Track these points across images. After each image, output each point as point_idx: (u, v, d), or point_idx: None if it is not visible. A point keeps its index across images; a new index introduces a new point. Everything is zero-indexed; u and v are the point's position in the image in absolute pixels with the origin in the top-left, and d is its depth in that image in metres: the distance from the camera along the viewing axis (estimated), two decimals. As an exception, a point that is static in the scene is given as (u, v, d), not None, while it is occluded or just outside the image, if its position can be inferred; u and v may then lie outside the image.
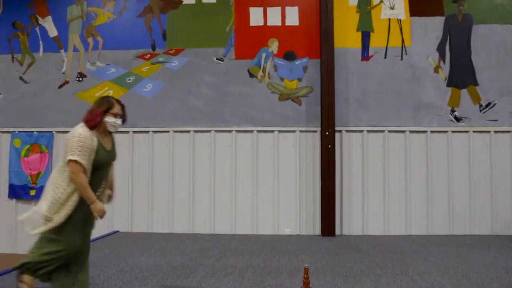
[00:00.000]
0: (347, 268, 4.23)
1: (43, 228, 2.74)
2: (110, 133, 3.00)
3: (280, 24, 6.62)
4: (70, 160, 2.69)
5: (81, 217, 2.82)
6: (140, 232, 6.36)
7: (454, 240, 5.74)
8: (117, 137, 6.67)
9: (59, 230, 2.75)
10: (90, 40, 6.82)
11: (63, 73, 6.80)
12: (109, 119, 2.88)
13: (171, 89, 6.62)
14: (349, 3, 6.57)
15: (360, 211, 6.30)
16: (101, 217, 2.83)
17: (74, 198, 2.75)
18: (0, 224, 6.62)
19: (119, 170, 6.45)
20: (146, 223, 6.45)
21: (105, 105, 2.88)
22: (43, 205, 2.75)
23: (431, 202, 6.27)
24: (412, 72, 6.44)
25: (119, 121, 2.95)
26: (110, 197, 3.20)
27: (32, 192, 6.55)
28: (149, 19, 6.76)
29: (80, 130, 2.78)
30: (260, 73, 6.57)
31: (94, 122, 2.81)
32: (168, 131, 6.54)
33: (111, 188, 3.23)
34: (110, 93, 6.67)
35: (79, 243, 2.88)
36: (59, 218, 2.71)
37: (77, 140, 2.72)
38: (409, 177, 6.31)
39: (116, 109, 2.91)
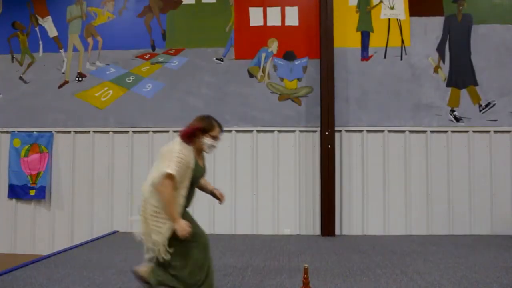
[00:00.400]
0: (347, 268, 4.23)
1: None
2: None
3: (280, 24, 6.62)
4: (166, 172, 2.64)
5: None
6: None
7: (454, 240, 5.74)
8: (117, 137, 6.75)
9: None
10: (89, 40, 6.82)
11: (63, 73, 6.79)
12: (207, 140, 2.84)
13: (171, 89, 6.62)
14: (349, 3, 6.57)
15: (360, 211, 6.30)
16: (185, 236, 2.69)
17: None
18: (0, 224, 6.61)
19: (119, 170, 6.51)
20: (146, 223, 6.44)
21: (206, 125, 2.85)
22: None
23: (431, 202, 6.27)
24: (411, 72, 6.44)
25: (216, 144, 2.89)
26: (221, 195, 3.30)
27: (32, 192, 6.54)
28: (148, 19, 6.76)
29: (179, 147, 2.75)
30: (260, 73, 6.57)
31: (190, 138, 2.80)
32: (167, 131, 6.53)
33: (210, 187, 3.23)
34: (110, 93, 6.68)
35: None
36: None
37: (176, 155, 2.69)
38: (409, 177, 6.31)
39: (216, 132, 2.87)
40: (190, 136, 2.79)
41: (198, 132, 2.81)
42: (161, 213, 2.73)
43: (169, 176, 2.64)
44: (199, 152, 2.89)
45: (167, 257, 2.74)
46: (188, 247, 2.77)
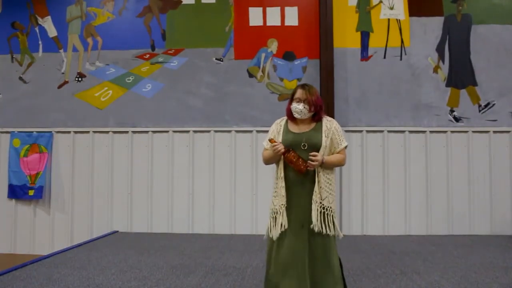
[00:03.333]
0: (347, 268, 4.22)
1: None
2: (315, 119, 2.85)
3: (279, 24, 6.62)
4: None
5: None
6: (140, 232, 6.36)
7: (454, 240, 5.75)
8: (116, 137, 6.75)
9: None
10: (89, 40, 6.82)
11: (63, 73, 6.79)
12: (292, 105, 2.83)
13: (170, 89, 6.62)
14: (349, 3, 6.58)
15: (359, 211, 6.30)
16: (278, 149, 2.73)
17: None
18: (0, 224, 6.61)
19: (118, 170, 6.52)
20: (146, 223, 6.45)
21: (292, 92, 2.91)
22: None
23: (431, 202, 6.28)
24: (411, 72, 6.45)
25: (300, 105, 2.78)
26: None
27: (31, 192, 6.54)
28: (148, 19, 6.76)
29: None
30: (260, 73, 6.58)
31: (287, 109, 2.91)
32: (167, 131, 6.54)
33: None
34: (110, 93, 6.68)
35: None
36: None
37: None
38: (409, 177, 6.31)
39: (298, 93, 2.83)
40: (287, 107, 2.90)
41: (289, 101, 2.89)
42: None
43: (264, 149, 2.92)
44: (295, 119, 2.87)
45: None
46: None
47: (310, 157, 2.66)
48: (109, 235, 6.09)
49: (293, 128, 2.84)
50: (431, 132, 6.36)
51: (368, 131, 6.39)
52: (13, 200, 6.62)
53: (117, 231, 6.38)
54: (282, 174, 2.76)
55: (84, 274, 3.98)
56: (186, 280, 3.80)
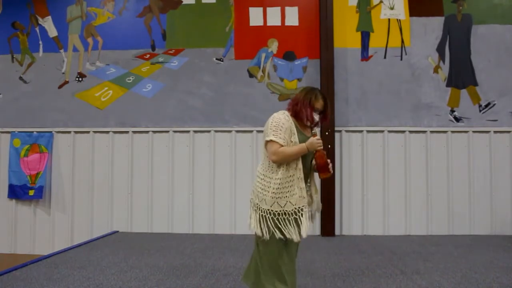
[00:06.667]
0: (347, 268, 4.23)
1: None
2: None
3: (279, 24, 6.62)
4: (267, 142, 2.57)
5: None
6: (140, 232, 6.36)
7: (454, 240, 5.74)
8: (117, 137, 6.75)
9: None
10: (89, 40, 6.82)
11: (63, 73, 6.80)
12: (314, 115, 2.69)
13: (170, 89, 6.62)
14: (349, 3, 6.57)
15: (359, 211, 6.30)
16: (320, 145, 2.58)
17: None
18: (0, 224, 6.61)
19: (119, 170, 6.51)
20: (146, 223, 6.45)
21: (314, 98, 2.67)
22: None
23: (431, 202, 6.27)
24: (411, 72, 6.45)
25: (316, 116, 2.69)
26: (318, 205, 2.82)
27: (31, 192, 6.54)
28: (148, 19, 6.76)
29: (276, 114, 2.68)
30: (260, 73, 6.58)
31: (293, 110, 2.67)
32: (167, 131, 6.54)
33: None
34: (110, 93, 6.68)
35: None
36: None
37: (270, 122, 2.63)
38: (409, 177, 6.31)
39: (318, 104, 2.68)
40: (294, 105, 2.68)
41: (301, 103, 2.66)
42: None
43: (272, 142, 2.54)
44: (302, 124, 2.71)
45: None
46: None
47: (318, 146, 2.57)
48: (109, 235, 6.09)
49: (302, 129, 2.71)
50: (431, 132, 6.36)
51: (368, 131, 6.39)
52: (13, 200, 6.62)
53: (117, 231, 6.38)
54: (300, 165, 2.59)
55: (84, 274, 3.98)
56: (186, 280, 3.80)
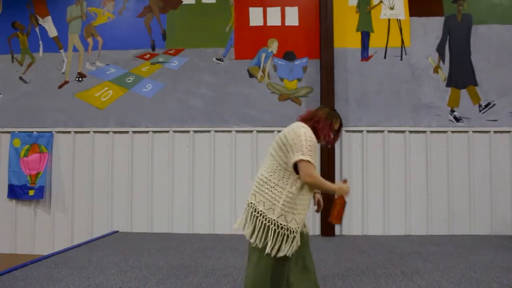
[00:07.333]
0: (347, 268, 4.23)
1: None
2: None
3: (280, 24, 6.62)
4: (302, 160, 2.42)
5: None
6: (140, 232, 6.36)
7: (454, 240, 5.75)
8: (117, 137, 6.74)
9: None
10: (89, 40, 6.82)
11: (63, 73, 6.80)
12: (333, 137, 2.73)
13: (170, 89, 6.62)
14: (349, 3, 6.58)
15: (359, 211, 6.30)
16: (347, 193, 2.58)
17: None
18: (0, 224, 6.61)
19: (119, 170, 6.51)
20: (146, 223, 6.45)
21: (335, 121, 2.69)
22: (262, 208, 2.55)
23: (431, 202, 6.27)
24: (411, 72, 6.45)
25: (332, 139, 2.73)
26: (319, 203, 2.84)
27: (31, 192, 6.54)
28: (148, 19, 6.76)
29: (304, 130, 2.54)
30: (260, 73, 6.57)
31: (313, 127, 2.62)
32: (167, 131, 6.54)
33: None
34: (110, 93, 6.68)
35: None
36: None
37: (304, 139, 2.47)
38: (409, 177, 6.31)
39: (336, 127, 2.72)
40: (315, 122, 2.64)
41: (323, 122, 2.64)
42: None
43: (309, 163, 2.43)
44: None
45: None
46: None
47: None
48: (109, 235, 6.10)
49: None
50: (431, 132, 6.36)
51: (368, 131, 6.39)
52: (13, 200, 6.62)
53: (117, 231, 6.38)
54: (314, 191, 2.60)
55: (84, 274, 3.99)
56: (186, 280, 3.80)
